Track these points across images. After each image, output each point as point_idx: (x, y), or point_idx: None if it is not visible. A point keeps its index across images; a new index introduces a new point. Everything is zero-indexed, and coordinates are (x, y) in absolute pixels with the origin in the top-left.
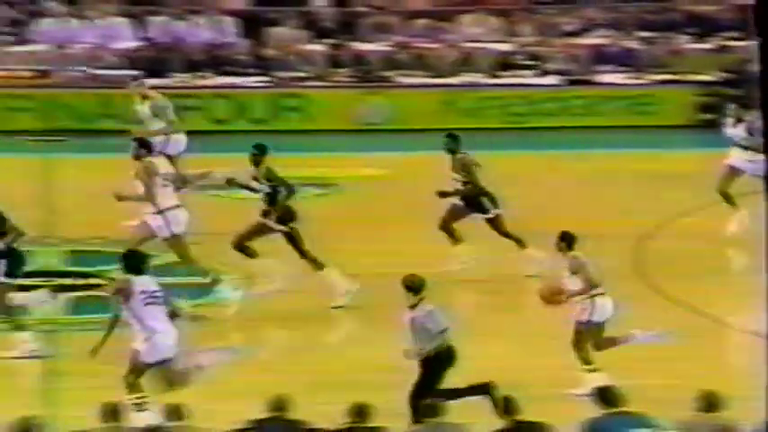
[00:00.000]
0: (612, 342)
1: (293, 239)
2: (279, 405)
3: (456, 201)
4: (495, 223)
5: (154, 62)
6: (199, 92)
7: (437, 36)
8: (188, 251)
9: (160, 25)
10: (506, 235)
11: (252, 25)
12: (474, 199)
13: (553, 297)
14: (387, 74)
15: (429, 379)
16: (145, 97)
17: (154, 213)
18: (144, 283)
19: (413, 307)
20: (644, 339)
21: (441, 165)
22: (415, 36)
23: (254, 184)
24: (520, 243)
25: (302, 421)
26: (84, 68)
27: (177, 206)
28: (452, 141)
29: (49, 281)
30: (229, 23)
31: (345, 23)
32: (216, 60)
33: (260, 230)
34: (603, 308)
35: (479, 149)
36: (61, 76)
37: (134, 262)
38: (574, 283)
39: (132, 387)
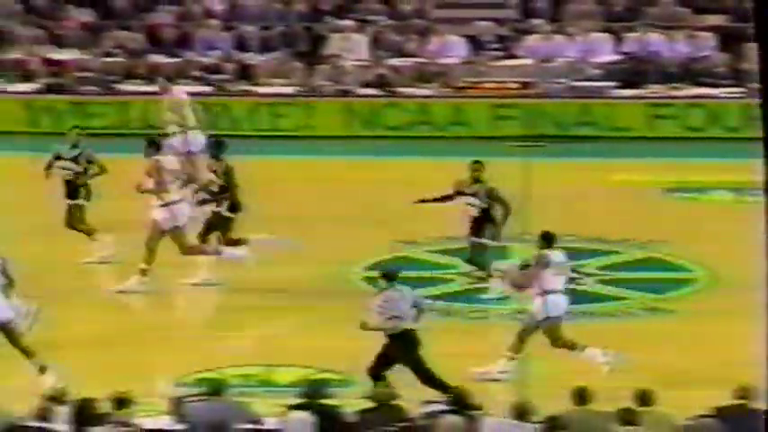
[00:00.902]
0: (570, 346)
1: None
2: (743, 394)
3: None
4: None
5: (630, 74)
6: (673, 101)
7: None
8: (186, 242)
9: (637, 40)
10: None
11: (731, 40)
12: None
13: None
14: None
15: (380, 355)
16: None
17: (160, 206)
18: None
19: (381, 291)
20: (595, 356)
21: None
22: None
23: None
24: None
25: (760, 409)
26: (566, 80)
27: (181, 200)
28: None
29: None
30: (708, 38)
31: None
32: (691, 72)
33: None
34: (556, 306)
35: None
36: (544, 87)
37: None
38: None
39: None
